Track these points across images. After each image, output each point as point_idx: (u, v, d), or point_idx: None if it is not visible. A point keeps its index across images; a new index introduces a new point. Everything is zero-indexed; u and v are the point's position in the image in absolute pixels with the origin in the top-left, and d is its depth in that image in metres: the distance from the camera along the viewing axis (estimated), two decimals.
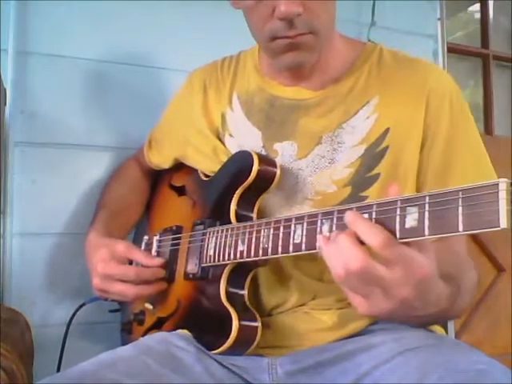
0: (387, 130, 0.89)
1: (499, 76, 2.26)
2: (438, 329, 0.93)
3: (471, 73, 2.27)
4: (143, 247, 1.03)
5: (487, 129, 2.19)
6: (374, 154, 0.88)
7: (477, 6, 2.28)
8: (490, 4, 2.27)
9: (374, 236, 0.62)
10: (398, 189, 0.65)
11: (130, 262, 0.95)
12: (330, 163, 0.89)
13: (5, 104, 1.20)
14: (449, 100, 0.90)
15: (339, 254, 0.64)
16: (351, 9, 1.57)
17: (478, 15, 2.27)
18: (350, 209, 0.67)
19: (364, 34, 1.55)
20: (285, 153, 0.92)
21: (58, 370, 1.09)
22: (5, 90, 1.20)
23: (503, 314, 2.00)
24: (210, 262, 0.88)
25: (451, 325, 1.70)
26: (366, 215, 0.64)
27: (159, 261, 0.95)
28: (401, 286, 0.63)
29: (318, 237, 0.68)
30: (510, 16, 2.37)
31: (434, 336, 0.87)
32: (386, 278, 0.62)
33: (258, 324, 0.84)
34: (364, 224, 0.63)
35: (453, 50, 2.02)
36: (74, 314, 1.11)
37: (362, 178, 0.88)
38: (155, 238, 1.01)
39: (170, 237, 1.00)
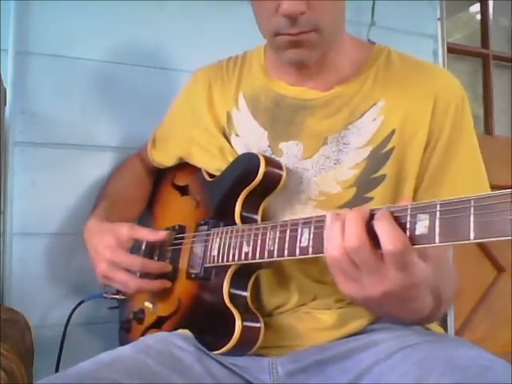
0: (393, 132, 0.89)
1: (499, 76, 2.26)
2: (437, 328, 0.93)
3: (471, 73, 2.27)
4: (144, 245, 1.03)
5: (487, 129, 2.18)
6: (379, 156, 0.88)
7: (477, 6, 2.28)
8: (490, 4, 2.26)
9: (393, 238, 0.60)
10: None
11: (131, 252, 0.96)
12: (335, 164, 0.89)
13: (5, 104, 1.20)
14: (454, 106, 0.90)
15: (342, 231, 0.63)
16: (351, 9, 1.54)
17: (478, 15, 2.27)
18: None
19: (364, 34, 1.55)
20: (290, 152, 0.92)
21: (57, 369, 1.09)
22: (5, 89, 1.20)
23: (503, 313, 2.00)
24: (213, 262, 0.87)
25: (451, 324, 1.70)
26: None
27: (164, 233, 0.95)
28: (388, 281, 0.63)
29: (328, 214, 0.67)
30: (510, 16, 2.38)
31: (434, 333, 0.88)
32: (379, 266, 0.62)
33: (261, 325, 0.84)
34: (387, 223, 0.61)
35: (453, 50, 2.02)
36: (72, 312, 1.12)
37: (367, 179, 0.88)
38: None
39: (173, 236, 1.00)
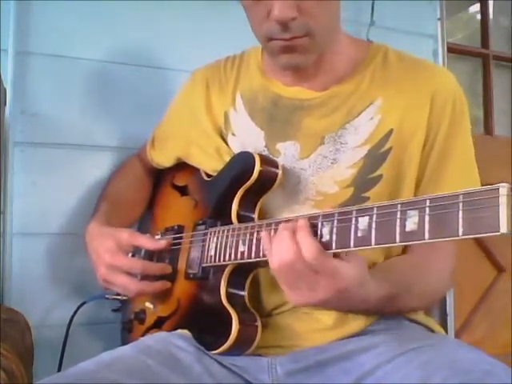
0: (391, 132, 0.89)
1: (499, 76, 2.26)
2: (437, 328, 0.93)
3: (471, 73, 2.27)
4: None
5: (487, 129, 2.18)
6: (377, 155, 0.88)
7: (477, 6, 2.28)
8: (490, 4, 2.26)
9: (307, 246, 0.68)
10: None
11: (132, 255, 0.96)
12: (332, 163, 0.89)
13: (5, 104, 1.20)
14: (452, 103, 0.90)
15: (279, 246, 0.71)
16: (350, 8, 1.56)
17: (478, 15, 2.27)
18: (351, 212, 0.67)
19: (363, 34, 1.54)
20: (287, 153, 0.92)
21: (59, 370, 1.09)
22: (5, 89, 1.20)
23: (503, 314, 2.00)
24: (210, 262, 0.88)
25: (451, 324, 1.70)
26: (367, 218, 0.65)
27: (163, 243, 0.96)
28: (322, 290, 0.70)
29: (263, 234, 0.76)
30: (510, 16, 2.37)
31: (435, 336, 0.88)
32: (311, 277, 0.69)
33: (258, 325, 0.84)
34: (305, 234, 0.69)
35: (453, 50, 2.02)
36: (75, 313, 1.12)
37: (365, 179, 0.88)
38: (156, 237, 1.01)
39: (172, 236, 1.00)
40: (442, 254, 0.88)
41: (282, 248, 0.70)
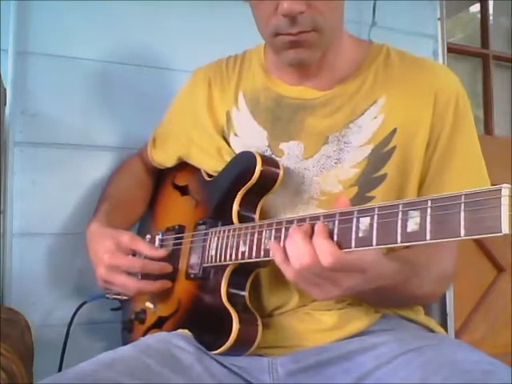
0: (394, 131, 0.89)
1: (499, 76, 2.26)
2: (438, 329, 0.93)
3: (471, 73, 2.27)
4: None
5: (487, 129, 2.19)
6: (381, 154, 0.88)
7: (477, 6, 2.28)
8: (490, 4, 2.27)
9: (326, 256, 0.66)
10: (346, 202, 0.71)
11: (134, 255, 0.96)
12: (336, 163, 0.89)
13: (5, 104, 1.20)
14: (455, 102, 0.90)
15: (295, 249, 0.70)
16: (352, 9, 1.55)
17: (478, 15, 2.27)
18: (352, 212, 0.67)
19: (364, 34, 1.55)
20: (291, 152, 0.92)
21: (60, 370, 1.09)
22: (5, 90, 1.20)
23: (503, 314, 2.00)
24: (211, 262, 0.87)
25: (451, 324, 1.70)
26: (368, 218, 0.65)
27: (163, 252, 0.95)
28: (347, 282, 0.70)
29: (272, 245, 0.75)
30: (510, 16, 2.38)
31: (435, 336, 0.88)
32: (334, 275, 0.69)
33: (259, 325, 0.84)
34: (323, 241, 0.67)
35: (453, 50, 2.02)
36: (75, 313, 1.11)
37: (369, 178, 0.88)
38: (157, 237, 1.01)
39: (173, 236, 1.00)
40: (444, 252, 0.88)
41: (298, 253, 0.69)
